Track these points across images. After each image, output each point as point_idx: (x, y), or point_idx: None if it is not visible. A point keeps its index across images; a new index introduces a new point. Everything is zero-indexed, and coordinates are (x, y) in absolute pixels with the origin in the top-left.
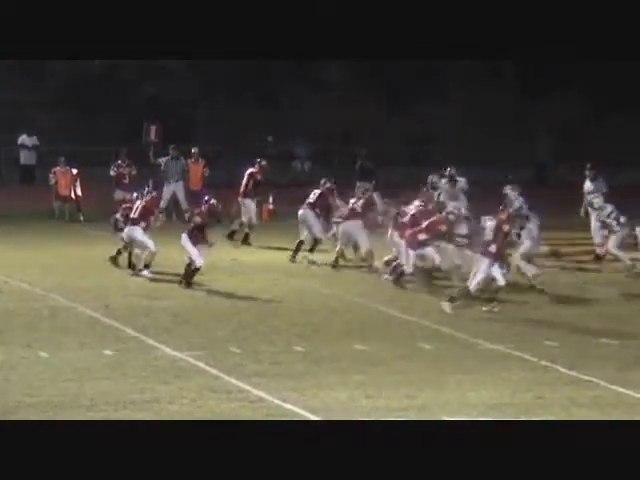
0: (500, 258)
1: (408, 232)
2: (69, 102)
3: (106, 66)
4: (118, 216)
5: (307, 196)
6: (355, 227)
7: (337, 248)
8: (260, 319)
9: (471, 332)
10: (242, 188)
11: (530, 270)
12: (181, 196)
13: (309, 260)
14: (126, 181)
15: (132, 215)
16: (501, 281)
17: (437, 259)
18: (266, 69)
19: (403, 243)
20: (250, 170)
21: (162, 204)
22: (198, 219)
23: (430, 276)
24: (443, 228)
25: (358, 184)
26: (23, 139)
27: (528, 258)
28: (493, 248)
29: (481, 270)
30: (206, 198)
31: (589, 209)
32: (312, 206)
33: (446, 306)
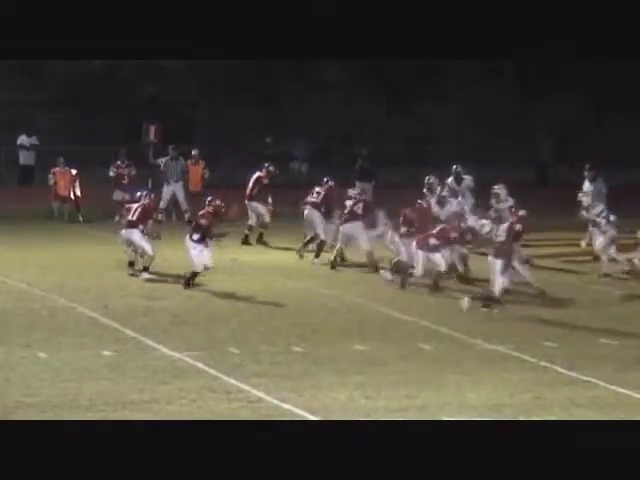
0: (512, 259)
1: (419, 236)
2: (69, 102)
3: (106, 66)
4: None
5: (307, 195)
6: (356, 228)
7: (336, 248)
8: (259, 319)
9: (470, 332)
10: (248, 192)
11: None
12: (181, 196)
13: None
14: (125, 181)
15: (130, 217)
16: (506, 282)
17: (443, 266)
18: (266, 69)
19: (414, 245)
20: (257, 174)
21: (162, 204)
22: (204, 221)
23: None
24: (453, 235)
25: (358, 184)
26: (22, 139)
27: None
28: (509, 250)
29: (499, 272)
30: (209, 199)
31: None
32: (317, 206)
33: (465, 302)
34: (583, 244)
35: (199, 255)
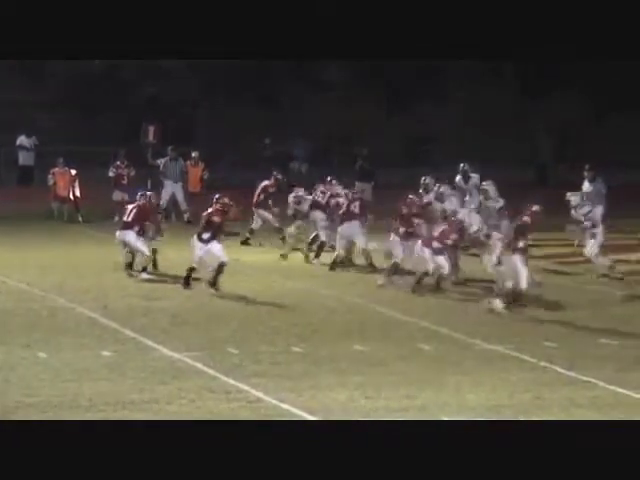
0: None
1: (423, 239)
2: (69, 102)
3: (106, 66)
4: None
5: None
6: (353, 227)
7: (336, 252)
8: (259, 320)
9: (470, 333)
10: (255, 199)
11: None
12: (180, 197)
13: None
14: (125, 182)
15: (125, 218)
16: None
17: (446, 269)
18: (266, 69)
19: (419, 244)
20: (265, 183)
21: (161, 204)
22: (216, 219)
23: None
24: (454, 237)
25: (357, 184)
26: (22, 140)
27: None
28: (522, 244)
29: (519, 268)
30: (217, 197)
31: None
32: (323, 208)
33: (498, 305)
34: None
35: (204, 256)
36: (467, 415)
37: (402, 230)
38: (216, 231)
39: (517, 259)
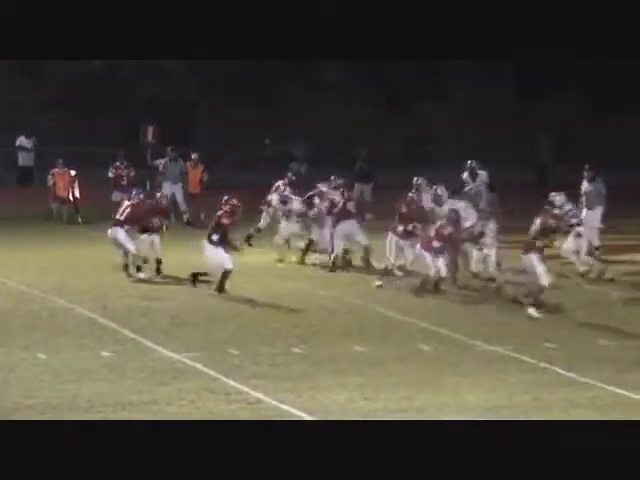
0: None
1: (422, 240)
2: (69, 102)
3: (106, 66)
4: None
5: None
6: (351, 226)
7: (334, 254)
8: (259, 321)
9: (470, 334)
10: (267, 197)
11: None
12: (180, 198)
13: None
14: (124, 182)
15: (117, 216)
16: (543, 279)
17: (444, 272)
18: (266, 69)
19: (418, 247)
20: (279, 182)
21: None
22: (225, 220)
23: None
24: (449, 230)
25: (357, 185)
26: (21, 141)
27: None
28: (540, 244)
29: (536, 265)
30: (225, 198)
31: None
32: (328, 211)
33: (532, 312)
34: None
35: (213, 258)
36: (466, 416)
37: (400, 229)
38: (225, 232)
39: (534, 258)
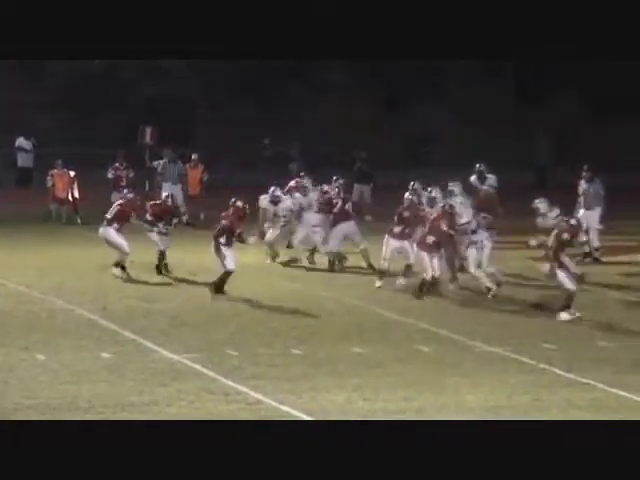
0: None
1: (418, 238)
2: (69, 102)
3: (106, 66)
4: (147, 217)
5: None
6: (350, 227)
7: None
8: (258, 322)
9: (469, 335)
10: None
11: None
12: (179, 199)
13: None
14: (123, 183)
15: (108, 215)
16: (569, 285)
17: (437, 272)
18: (266, 69)
19: (415, 248)
20: (291, 184)
21: None
22: (226, 222)
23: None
24: (443, 225)
25: (356, 186)
26: (20, 141)
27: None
28: (554, 256)
29: (560, 276)
30: (232, 200)
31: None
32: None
33: (565, 315)
34: (598, 254)
35: (220, 259)
36: (466, 417)
37: (398, 230)
38: (229, 234)
39: (558, 272)
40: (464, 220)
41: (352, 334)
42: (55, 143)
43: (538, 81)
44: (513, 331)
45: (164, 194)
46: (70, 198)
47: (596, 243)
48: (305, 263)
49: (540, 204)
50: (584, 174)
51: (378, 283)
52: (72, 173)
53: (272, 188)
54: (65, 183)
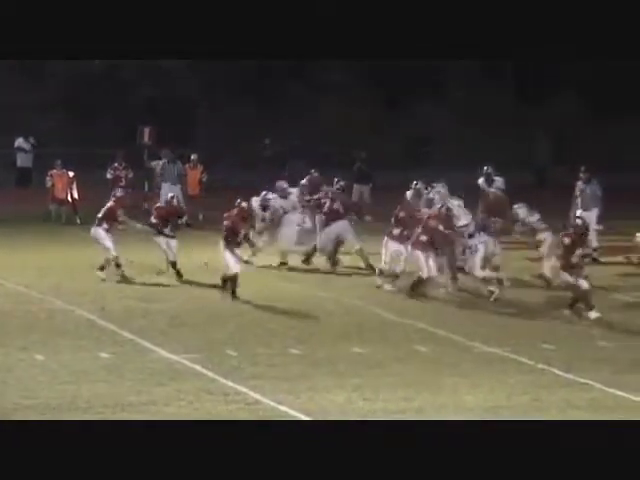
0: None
1: (413, 242)
2: (69, 102)
3: (106, 66)
4: (153, 219)
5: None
6: (342, 227)
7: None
8: (257, 322)
9: (468, 335)
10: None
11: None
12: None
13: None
14: (122, 184)
15: (98, 215)
16: (584, 285)
17: (433, 272)
18: (266, 69)
19: (409, 248)
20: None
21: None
22: (227, 223)
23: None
24: (437, 225)
25: (355, 186)
26: (19, 142)
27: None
28: (572, 261)
29: (570, 279)
30: (237, 201)
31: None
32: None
33: (592, 314)
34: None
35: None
36: (465, 417)
37: (397, 232)
38: (233, 235)
39: (566, 275)
40: (462, 222)
41: (351, 334)
42: (55, 143)
43: (538, 81)
44: (512, 331)
45: (169, 195)
46: (69, 198)
47: (594, 243)
48: (293, 264)
49: (519, 209)
50: (581, 175)
51: (379, 281)
52: (71, 173)
53: (264, 192)
54: (64, 183)
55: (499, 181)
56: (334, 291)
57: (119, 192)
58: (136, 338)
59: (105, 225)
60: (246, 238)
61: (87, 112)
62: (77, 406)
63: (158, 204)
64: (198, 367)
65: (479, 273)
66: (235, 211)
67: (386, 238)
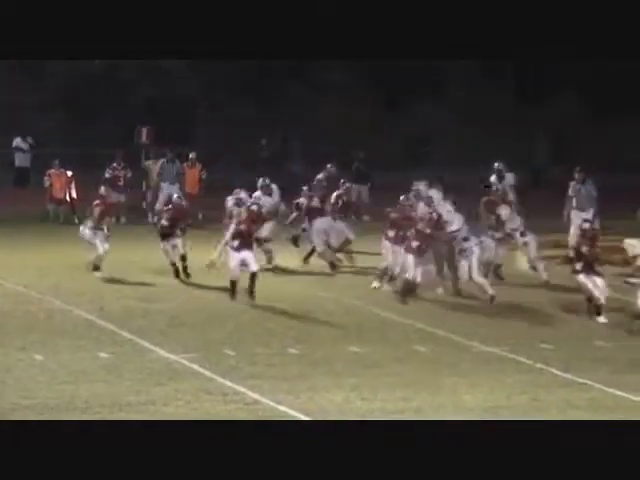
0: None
1: (406, 245)
2: (68, 102)
3: (106, 66)
4: (163, 221)
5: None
6: (325, 223)
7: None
8: (255, 321)
9: (466, 335)
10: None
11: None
12: None
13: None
14: (121, 184)
15: (87, 214)
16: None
17: (418, 278)
18: (266, 69)
19: (402, 251)
20: (337, 192)
21: (157, 206)
22: (243, 227)
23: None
24: (428, 231)
25: (354, 186)
26: (17, 142)
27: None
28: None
29: (583, 283)
30: (247, 204)
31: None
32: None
33: (601, 319)
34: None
35: (237, 264)
36: (464, 417)
37: (392, 234)
38: (246, 239)
39: (580, 278)
40: (454, 227)
41: (350, 334)
42: (55, 143)
43: (538, 81)
44: (510, 331)
45: (175, 196)
46: (68, 198)
47: None
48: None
49: (502, 211)
50: (576, 175)
51: (374, 283)
52: (69, 173)
53: (236, 190)
54: (63, 183)
55: (510, 177)
56: (333, 291)
57: (102, 190)
58: (135, 338)
59: (91, 224)
60: (258, 241)
61: (87, 112)
62: (76, 406)
63: (166, 207)
64: (197, 367)
65: (477, 278)
66: (245, 214)
67: (383, 239)
